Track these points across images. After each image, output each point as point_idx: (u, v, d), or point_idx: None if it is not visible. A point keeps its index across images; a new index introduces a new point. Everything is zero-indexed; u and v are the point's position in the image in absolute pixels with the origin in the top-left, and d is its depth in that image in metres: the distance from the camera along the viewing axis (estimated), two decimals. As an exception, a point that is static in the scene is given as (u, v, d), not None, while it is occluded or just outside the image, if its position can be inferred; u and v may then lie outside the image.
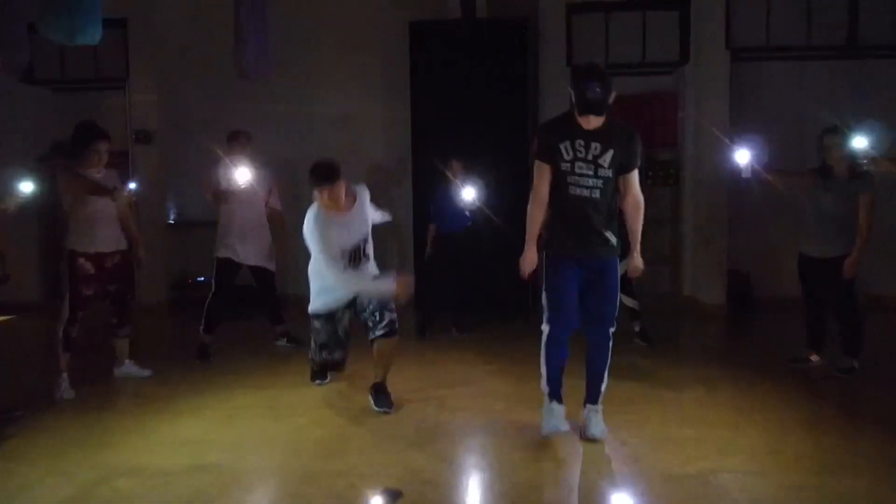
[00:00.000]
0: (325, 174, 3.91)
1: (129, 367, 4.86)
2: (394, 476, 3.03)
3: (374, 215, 4.30)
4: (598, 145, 3.23)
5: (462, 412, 3.96)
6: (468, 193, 5.59)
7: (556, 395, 3.53)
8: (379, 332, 3.95)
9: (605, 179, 3.27)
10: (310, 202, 4.06)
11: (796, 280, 4.92)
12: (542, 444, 3.42)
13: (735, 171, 4.88)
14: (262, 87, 6.79)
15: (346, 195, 4.00)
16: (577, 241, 3.35)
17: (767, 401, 4.10)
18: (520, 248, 3.48)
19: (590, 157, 3.24)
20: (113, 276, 4.62)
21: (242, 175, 5.11)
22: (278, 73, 6.23)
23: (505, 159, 6.71)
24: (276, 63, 5.95)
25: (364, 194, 4.14)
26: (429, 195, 6.19)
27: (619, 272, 3.48)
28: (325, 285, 4.08)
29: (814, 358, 4.85)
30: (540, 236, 3.44)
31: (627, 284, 5.59)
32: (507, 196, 5.90)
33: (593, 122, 3.19)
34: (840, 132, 4.56)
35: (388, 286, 3.93)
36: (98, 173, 4.54)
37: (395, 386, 4.10)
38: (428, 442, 3.49)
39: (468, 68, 7.04)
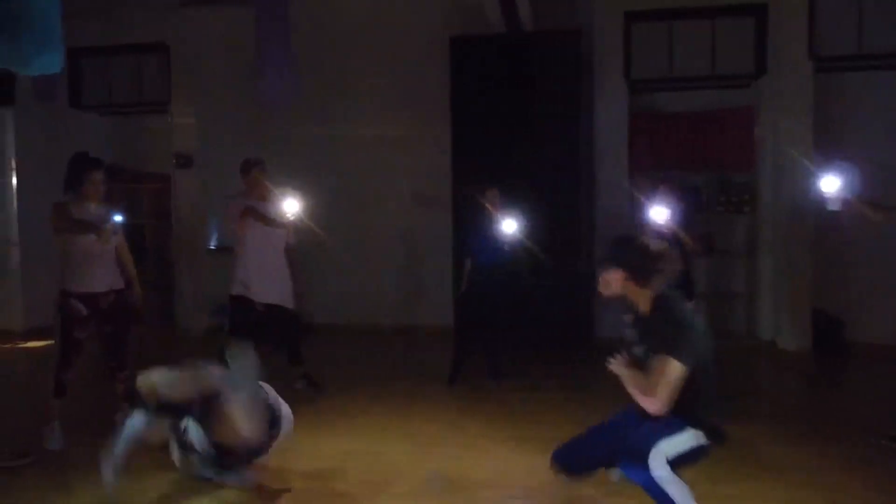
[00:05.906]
0: None
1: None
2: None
3: None
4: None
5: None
6: (508, 226, 5.05)
7: None
8: None
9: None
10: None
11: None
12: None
13: (821, 202, 4.06)
14: (296, 111, 6.49)
15: None
16: None
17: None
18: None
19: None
20: (108, 316, 4.31)
21: (291, 207, 4.70)
22: (311, 95, 5.94)
23: (555, 187, 6.17)
24: (301, 89, 5.62)
25: None
26: (469, 226, 5.65)
27: None
28: None
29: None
30: None
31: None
32: (556, 228, 5.36)
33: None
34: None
35: None
36: (95, 207, 4.24)
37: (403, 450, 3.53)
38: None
39: (514, 86, 6.56)
